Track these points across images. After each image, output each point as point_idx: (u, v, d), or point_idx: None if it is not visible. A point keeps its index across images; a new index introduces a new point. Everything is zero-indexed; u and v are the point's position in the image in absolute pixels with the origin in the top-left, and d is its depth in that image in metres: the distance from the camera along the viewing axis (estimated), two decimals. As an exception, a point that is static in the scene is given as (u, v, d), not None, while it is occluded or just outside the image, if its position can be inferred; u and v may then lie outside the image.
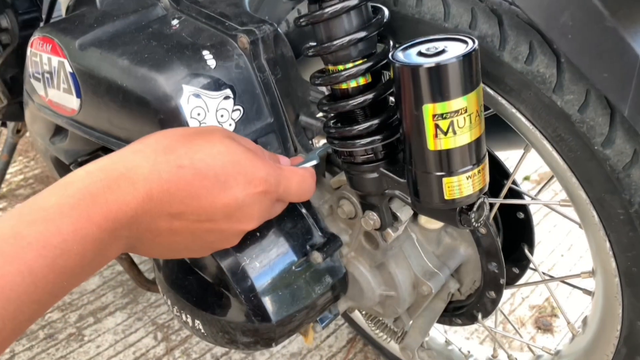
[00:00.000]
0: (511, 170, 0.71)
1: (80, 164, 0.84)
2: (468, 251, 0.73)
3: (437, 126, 0.47)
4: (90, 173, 0.45)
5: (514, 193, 0.74)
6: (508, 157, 0.86)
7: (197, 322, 0.69)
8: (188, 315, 0.69)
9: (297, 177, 0.56)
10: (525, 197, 0.74)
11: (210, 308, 0.66)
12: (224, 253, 0.62)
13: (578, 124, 0.51)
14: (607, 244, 0.55)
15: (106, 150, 0.82)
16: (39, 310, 0.41)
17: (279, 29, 0.64)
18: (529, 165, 1.71)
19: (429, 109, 0.47)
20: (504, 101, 0.56)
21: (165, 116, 0.58)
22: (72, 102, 0.70)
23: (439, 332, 0.98)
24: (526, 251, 0.76)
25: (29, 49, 0.77)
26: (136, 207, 0.45)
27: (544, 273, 0.74)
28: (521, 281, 0.81)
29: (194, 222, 0.49)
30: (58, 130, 0.87)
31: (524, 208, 0.74)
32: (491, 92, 0.56)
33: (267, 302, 0.64)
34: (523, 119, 0.55)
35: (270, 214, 0.56)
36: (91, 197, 0.43)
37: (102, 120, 0.67)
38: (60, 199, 0.42)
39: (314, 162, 0.60)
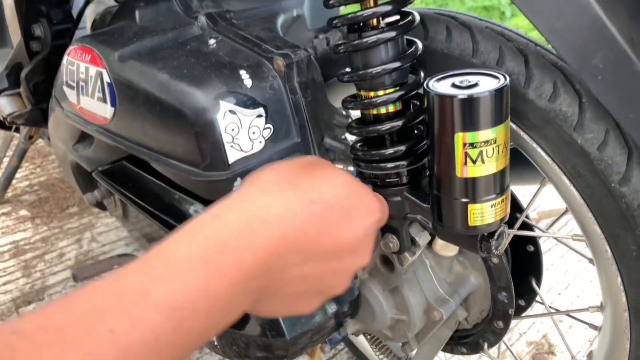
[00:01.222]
0: (524, 204, 0.74)
1: (102, 172, 0.86)
2: (478, 280, 0.75)
3: (466, 154, 0.50)
4: (218, 217, 0.41)
5: (526, 226, 0.76)
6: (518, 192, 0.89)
7: (211, 333, 0.69)
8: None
9: (384, 201, 0.54)
10: (537, 230, 0.77)
11: (237, 323, 0.67)
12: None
13: (597, 162, 0.54)
14: (619, 279, 0.58)
15: (131, 159, 0.84)
16: None
17: (311, 55, 0.67)
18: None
19: (460, 138, 0.49)
20: (525, 136, 0.58)
21: (201, 130, 0.61)
22: (105, 111, 0.72)
23: (440, 362, 0.99)
24: (533, 284, 0.78)
25: (65, 57, 0.79)
26: (270, 251, 0.40)
27: (550, 306, 0.76)
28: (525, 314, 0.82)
29: (323, 262, 0.45)
30: (83, 138, 0.89)
31: (534, 241, 0.76)
32: (514, 126, 0.58)
33: (283, 318, 0.66)
34: (543, 154, 0.58)
35: (375, 243, 0.52)
36: (222, 246, 0.39)
37: (135, 130, 0.69)
38: (189, 249, 0.38)
39: None
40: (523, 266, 0.80)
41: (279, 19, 0.79)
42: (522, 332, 1.30)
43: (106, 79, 0.70)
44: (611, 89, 0.42)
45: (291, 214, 0.42)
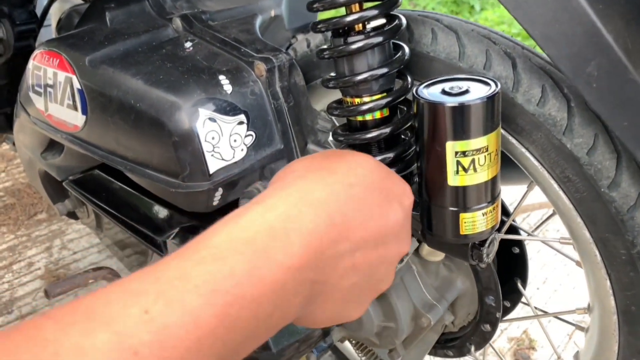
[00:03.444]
0: (508, 205, 0.73)
1: (73, 182, 0.82)
2: (465, 284, 0.74)
3: (458, 163, 0.48)
4: (261, 203, 0.39)
5: (512, 229, 0.75)
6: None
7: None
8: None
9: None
10: (524, 233, 0.76)
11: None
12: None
13: (586, 167, 0.53)
14: (608, 283, 0.57)
15: (103, 168, 0.80)
16: None
17: (293, 59, 0.65)
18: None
19: (451, 146, 0.48)
20: (514, 140, 0.57)
21: (180, 139, 0.58)
22: (76, 119, 0.69)
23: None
24: (519, 286, 0.78)
25: (30, 62, 0.75)
26: (321, 237, 0.38)
27: (536, 308, 0.76)
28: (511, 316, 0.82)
29: (372, 249, 0.42)
30: (51, 146, 0.85)
31: (519, 244, 0.76)
32: (502, 131, 0.58)
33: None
34: (532, 159, 0.57)
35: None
36: (269, 229, 0.36)
37: (108, 139, 0.66)
38: (232, 233, 0.36)
39: None
40: (508, 268, 0.80)
41: (257, 19, 0.77)
42: (503, 328, 1.31)
43: (76, 85, 0.67)
44: (606, 97, 0.41)
45: (335, 197, 0.40)
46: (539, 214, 1.64)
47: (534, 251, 1.48)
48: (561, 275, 1.44)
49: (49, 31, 1.17)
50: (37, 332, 0.29)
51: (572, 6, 0.40)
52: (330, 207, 0.40)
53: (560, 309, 0.74)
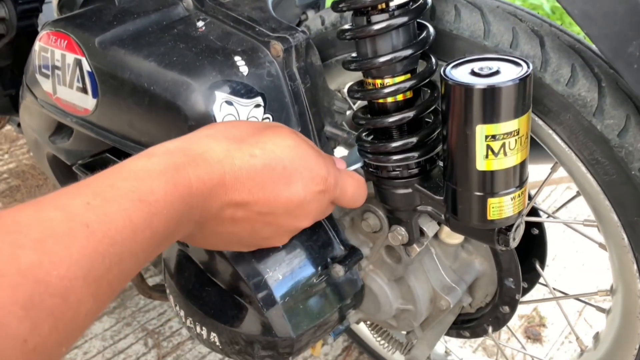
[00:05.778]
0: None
1: (84, 166, 0.81)
2: (484, 266, 0.73)
3: (488, 147, 0.47)
4: (168, 150, 0.45)
5: (533, 210, 0.74)
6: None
7: (212, 334, 0.67)
8: (204, 328, 0.67)
9: (353, 182, 0.55)
10: (547, 216, 0.75)
11: (230, 321, 0.64)
12: (247, 264, 0.61)
13: (617, 149, 0.52)
14: (635, 266, 0.56)
15: (114, 152, 0.79)
16: (132, 270, 0.39)
17: (310, 38, 0.63)
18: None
19: (482, 130, 0.46)
20: (540, 122, 0.56)
21: (197, 123, 0.56)
22: (86, 102, 0.67)
23: (439, 342, 0.98)
24: (537, 267, 0.77)
25: (37, 43, 0.73)
26: (211, 189, 0.44)
27: (555, 289, 0.75)
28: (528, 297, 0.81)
29: (256, 213, 0.48)
30: (60, 129, 0.83)
31: (539, 225, 0.75)
32: (529, 112, 0.56)
33: (289, 316, 0.63)
34: (559, 140, 0.55)
35: (323, 214, 0.55)
36: (175, 168, 0.42)
37: (120, 123, 0.64)
38: (147, 164, 0.42)
39: (359, 165, 0.59)
40: (527, 248, 0.79)
41: (268, -4, 0.74)
42: (513, 305, 1.31)
43: (86, 67, 0.65)
44: (647, 78, 0.40)
45: (230, 162, 0.46)
46: (559, 191, 1.63)
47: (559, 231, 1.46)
48: (584, 257, 1.43)
49: (49, 8, 1.14)
50: None
51: (615, -18, 0.38)
52: (225, 168, 0.45)
53: (577, 291, 0.73)
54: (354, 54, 0.56)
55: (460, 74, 0.47)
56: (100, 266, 0.35)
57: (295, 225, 0.52)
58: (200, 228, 0.47)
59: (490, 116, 0.45)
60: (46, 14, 1.14)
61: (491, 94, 0.45)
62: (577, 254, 1.43)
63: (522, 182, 0.50)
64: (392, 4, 0.51)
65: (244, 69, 0.58)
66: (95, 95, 0.65)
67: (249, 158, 0.46)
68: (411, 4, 0.51)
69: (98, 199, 0.37)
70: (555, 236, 1.47)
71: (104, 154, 0.79)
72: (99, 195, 0.38)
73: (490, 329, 0.78)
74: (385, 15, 0.50)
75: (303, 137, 0.53)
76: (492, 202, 0.50)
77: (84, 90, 0.67)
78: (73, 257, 0.33)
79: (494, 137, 0.46)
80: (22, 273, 0.31)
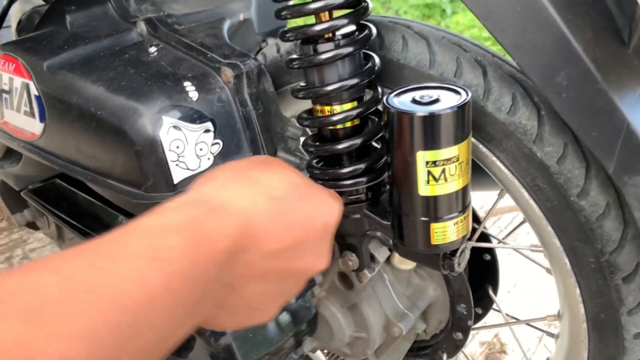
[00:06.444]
0: (479, 211, 0.73)
1: (33, 191, 0.79)
2: (437, 292, 0.74)
3: (429, 173, 0.48)
4: (183, 204, 0.39)
5: (483, 236, 0.75)
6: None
7: (160, 364, 0.64)
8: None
9: (342, 204, 0.52)
10: (496, 241, 0.76)
11: (178, 351, 0.62)
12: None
13: (556, 175, 0.53)
14: (577, 291, 0.58)
15: (65, 178, 0.77)
16: (154, 348, 0.32)
17: (262, 65, 0.63)
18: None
19: (422, 156, 0.47)
20: (484, 149, 0.57)
21: (143, 148, 0.56)
22: (33, 126, 0.66)
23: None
24: (490, 292, 0.78)
25: (-15, 66, 0.71)
26: (236, 241, 0.38)
27: (507, 314, 0.76)
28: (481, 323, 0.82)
29: (285, 261, 0.43)
30: (9, 154, 0.81)
31: (490, 250, 0.76)
32: (473, 140, 0.57)
33: (237, 345, 0.62)
34: (502, 167, 0.57)
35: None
36: (194, 222, 0.37)
37: (68, 148, 0.63)
38: (161, 219, 0.36)
39: None
40: (480, 274, 0.80)
41: (225, 23, 0.75)
42: (475, 332, 1.32)
43: (33, 91, 0.64)
44: (575, 107, 0.41)
45: (254, 208, 0.41)
46: (509, 217, 1.66)
47: (505, 254, 1.49)
48: (531, 281, 1.45)
49: (9, 32, 1.12)
50: None
51: (542, 16, 0.40)
52: (249, 217, 0.40)
53: (531, 315, 0.74)
54: (302, 83, 0.56)
55: (402, 102, 0.48)
56: (109, 340, 0.29)
57: (318, 267, 0.47)
58: (229, 294, 0.40)
59: (431, 143, 0.46)
60: (6, 37, 1.13)
61: (431, 121, 0.46)
62: (539, 279, 1.45)
63: (464, 207, 0.51)
64: (337, 34, 0.52)
65: (193, 94, 0.59)
66: (42, 119, 0.64)
67: (270, 201, 0.42)
68: (357, 34, 0.53)
69: (103, 260, 0.31)
70: (516, 263, 1.49)
71: (54, 179, 0.77)
72: (105, 255, 0.32)
73: (444, 356, 0.78)
74: (331, 45, 0.51)
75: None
76: (435, 227, 0.51)
77: (31, 114, 0.66)
78: (73, 330, 0.28)
79: (434, 163, 0.47)
80: (6, 350, 0.25)
